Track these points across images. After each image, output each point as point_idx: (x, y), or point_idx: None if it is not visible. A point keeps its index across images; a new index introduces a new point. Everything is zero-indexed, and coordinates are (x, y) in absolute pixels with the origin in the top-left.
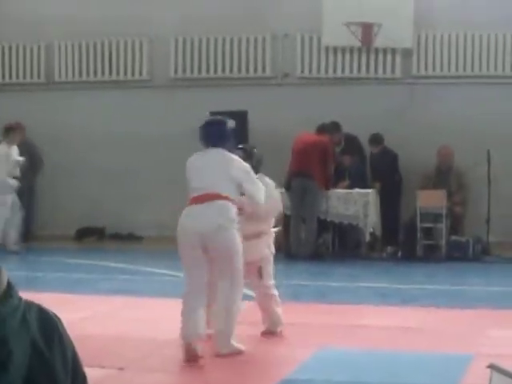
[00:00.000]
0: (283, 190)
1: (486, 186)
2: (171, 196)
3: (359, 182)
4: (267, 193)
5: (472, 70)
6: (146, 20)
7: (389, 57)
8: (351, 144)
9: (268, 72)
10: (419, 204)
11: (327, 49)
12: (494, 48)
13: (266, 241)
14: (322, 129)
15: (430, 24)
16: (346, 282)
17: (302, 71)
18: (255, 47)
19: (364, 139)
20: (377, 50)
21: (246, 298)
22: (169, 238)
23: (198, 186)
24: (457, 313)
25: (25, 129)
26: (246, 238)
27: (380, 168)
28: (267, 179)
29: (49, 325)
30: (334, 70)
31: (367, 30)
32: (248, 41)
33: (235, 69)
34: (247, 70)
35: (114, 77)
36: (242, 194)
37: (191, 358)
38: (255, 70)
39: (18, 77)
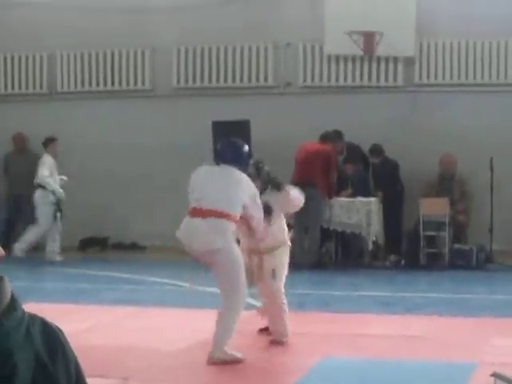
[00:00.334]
0: None
1: (488, 194)
2: (174, 205)
3: (362, 190)
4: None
5: (474, 78)
6: (148, 30)
7: (391, 65)
8: (353, 153)
9: (270, 81)
10: (422, 212)
11: (329, 57)
12: (496, 56)
13: (283, 250)
14: (324, 137)
15: (432, 32)
16: (349, 290)
17: (305, 80)
18: (257, 56)
19: (366, 147)
20: (379, 59)
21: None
22: (172, 247)
23: (200, 198)
24: (460, 321)
25: (57, 141)
26: (264, 252)
27: (381, 178)
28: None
29: (52, 338)
30: (337, 79)
31: (369, 38)
32: (250, 50)
33: (237, 78)
34: (249, 80)
35: (116, 87)
36: None
37: None
38: (257, 79)
39: (20, 87)
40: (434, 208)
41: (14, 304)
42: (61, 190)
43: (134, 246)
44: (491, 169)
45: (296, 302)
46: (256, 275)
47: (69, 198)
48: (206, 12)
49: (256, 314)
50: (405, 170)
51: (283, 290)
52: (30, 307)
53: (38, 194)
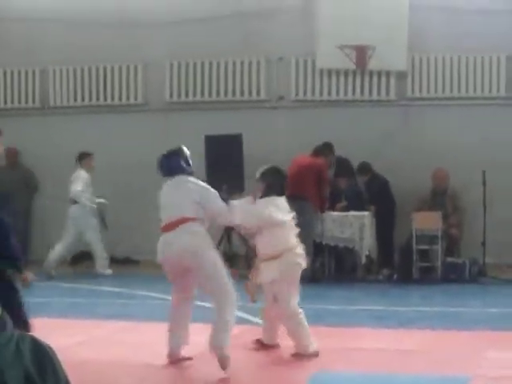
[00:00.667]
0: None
1: (481, 208)
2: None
3: (355, 204)
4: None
5: (466, 91)
6: (141, 44)
7: (383, 79)
8: (343, 166)
9: (263, 95)
10: (415, 226)
11: (322, 71)
12: (488, 70)
13: (279, 263)
14: (317, 151)
15: (423, 46)
16: (342, 304)
17: (297, 94)
18: (250, 70)
19: (359, 160)
20: (371, 73)
21: (244, 321)
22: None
23: (165, 214)
24: (453, 334)
25: (92, 155)
26: (260, 260)
27: (370, 195)
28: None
29: (42, 355)
30: (329, 93)
31: (361, 52)
32: (242, 64)
33: (230, 92)
34: (242, 94)
35: (108, 101)
36: None
37: None
38: (250, 93)
39: (12, 102)
40: (427, 222)
41: (3, 322)
42: (94, 206)
43: (127, 261)
44: (484, 182)
45: None
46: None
47: (61, 212)
48: (199, 26)
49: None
50: (397, 184)
51: (293, 304)
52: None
53: (74, 209)
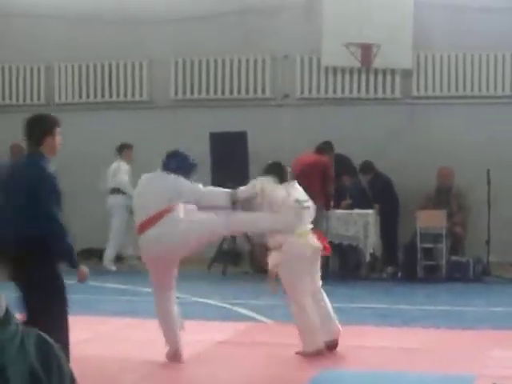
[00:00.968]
0: None
1: (486, 207)
2: None
3: (360, 201)
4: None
5: (471, 90)
6: (146, 42)
7: (388, 77)
8: (343, 164)
9: (268, 93)
10: (419, 224)
11: (327, 69)
12: (494, 68)
13: (285, 251)
14: (321, 149)
15: (429, 45)
16: (346, 302)
17: (302, 92)
18: (255, 68)
19: (364, 158)
20: (376, 71)
21: (249, 319)
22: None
23: (138, 215)
24: (458, 333)
25: (132, 147)
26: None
27: (374, 194)
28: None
29: (47, 352)
30: (334, 91)
31: (367, 50)
32: (248, 62)
33: (235, 90)
34: (247, 92)
35: (114, 98)
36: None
37: None
38: (255, 91)
39: (18, 98)
40: (432, 220)
41: (8, 317)
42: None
43: (132, 257)
44: (488, 181)
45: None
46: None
47: (66, 209)
48: (204, 24)
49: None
50: (402, 182)
51: (300, 296)
52: None
53: (114, 200)
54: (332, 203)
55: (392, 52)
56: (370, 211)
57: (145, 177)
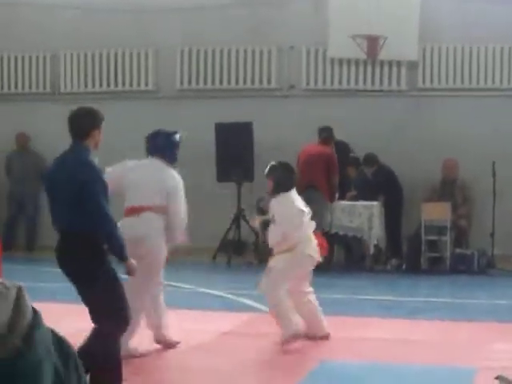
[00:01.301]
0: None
1: (490, 199)
2: None
3: (364, 193)
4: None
5: (477, 82)
6: (152, 31)
7: (394, 69)
8: (341, 150)
9: (274, 84)
10: (424, 217)
11: (333, 61)
12: (500, 60)
13: (296, 252)
14: (326, 140)
15: (435, 37)
16: (350, 294)
17: (308, 83)
18: (261, 59)
19: (369, 150)
20: (382, 63)
21: (253, 309)
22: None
23: (132, 197)
24: (461, 326)
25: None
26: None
27: (378, 186)
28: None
29: (66, 351)
30: (340, 82)
31: (373, 42)
32: (254, 52)
33: (241, 80)
34: (253, 82)
35: (119, 88)
36: None
37: None
38: (261, 81)
39: (23, 87)
40: (436, 212)
41: (38, 317)
42: None
43: None
44: (493, 173)
45: None
46: None
47: None
48: (210, 14)
49: None
50: (407, 174)
51: (279, 291)
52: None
53: None
54: (337, 195)
55: (398, 44)
56: (375, 203)
57: (141, 163)
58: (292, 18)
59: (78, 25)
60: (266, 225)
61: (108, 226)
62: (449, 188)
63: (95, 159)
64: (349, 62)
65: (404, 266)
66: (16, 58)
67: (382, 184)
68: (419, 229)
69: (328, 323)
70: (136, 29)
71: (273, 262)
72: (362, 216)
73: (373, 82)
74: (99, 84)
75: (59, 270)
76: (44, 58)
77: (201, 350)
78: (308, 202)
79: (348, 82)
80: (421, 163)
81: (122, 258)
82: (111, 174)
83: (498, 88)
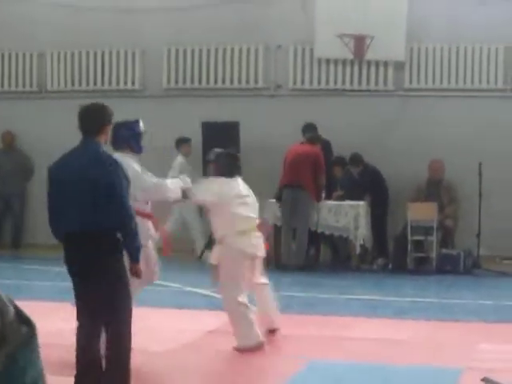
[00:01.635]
0: (274, 200)
1: (477, 199)
2: (165, 206)
3: (351, 193)
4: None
5: (464, 82)
6: (139, 30)
7: (381, 69)
8: (327, 150)
9: (260, 83)
10: (410, 217)
11: (320, 60)
12: (486, 61)
13: (225, 247)
14: (313, 139)
15: (422, 37)
16: (336, 293)
17: (295, 83)
18: (248, 58)
19: (356, 150)
20: (369, 62)
21: None
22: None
23: None
24: (447, 326)
25: (190, 141)
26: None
27: (364, 186)
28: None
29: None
30: (327, 82)
31: (360, 42)
32: (241, 52)
33: (228, 80)
34: (240, 81)
35: (106, 86)
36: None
37: None
38: (248, 81)
39: (10, 85)
40: (422, 213)
41: (26, 335)
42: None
43: None
44: (480, 174)
45: (283, 304)
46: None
47: None
48: (197, 13)
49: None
50: (394, 174)
51: (233, 294)
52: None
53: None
54: (323, 194)
55: (385, 44)
56: (361, 202)
57: None
58: (279, 17)
59: (65, 23)
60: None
61: (133, 225)
62: (435, 188)
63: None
64: (336, 61)
65: (390, 266)
66: (3, 56)
67: (368, 184)
68: (405, 229)
69: (313, 322)
70: (123, 28)
71: (214, 256)
72: (348, 215)
73: (359, 82)
74: (86, 83)
75: (47, 268)
76: (31, 56)
77: (187, 349)
78: (294, 201)
79: (335, 81)
80: (407, 163)
81: (137, 258)
82: None
83: (485, 88)
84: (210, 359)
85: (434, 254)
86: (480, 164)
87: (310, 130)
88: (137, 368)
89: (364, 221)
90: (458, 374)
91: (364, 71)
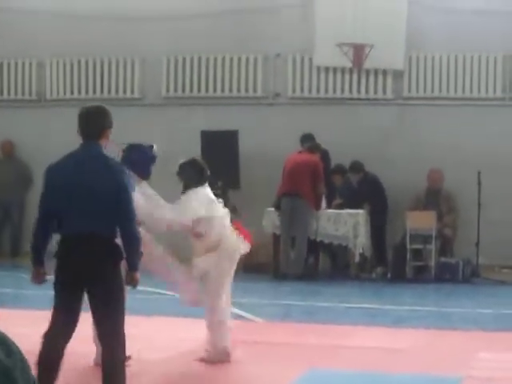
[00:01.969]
0: (273, 209)
1: (476, 208)
2: None
3: (350, 201)
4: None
5: (463, 91)
6: (139, 39)
7: (380, 78)
8: (326, 159)
9: (259, 92)
10: (409, 225)
11: (319, 69)
12: (485, 70)
13: (222, 248)
14: (313, 148)
15: (421, 46)
16: (335, 302)
17: (294, 91)
18: (247, 67)
19: (355, 159)
20: (368, 71)
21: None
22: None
23: None
24: (446, 335)
25: None
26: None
27: (363, 194)
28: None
29: (9, 348)
30: (326, 91)
31: (359, 50)
32: (240, 60)
33: (227, 88)
34: (239, 90)
35: (105, 95)
36: None
37: None
38: (246, 89)
39: (9, 93)
40: (421, 221)
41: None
42: None
43: None
44: (479, 183)
45: (282, 313)
46: None
47: None
48: (197, 22)
49: None
50: (392, 183)
51: (219, 301)
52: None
53: None
54: (324, 204)
55: (384, 53)
56: (361, 211)
57: None
58: (278, 26)
59: (64, 32)
60: None
61: (138, 232)
62: (434, 197)
63: None
64: (335, 70)
65: (389, 275)
66: (2, 64)
67: (367, 192)
68: (404, 237)
69: (312, 331)
70: (122, 36)
71: (202, 265)
72: (348, 224)
73: (358, 91)
74: (85, 91)
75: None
76: (30, 65)
77: (187, 357)
78: (293, 210)
79: (334, 90)
80: (406, 172)
81: (136, 267)
82: None
83: (484, 97)
84: (209, 368)
85: (432, 263)
86: (479, 173)
87: (308, 140)
88: (135, 376)
89: (363, 229)
90: (458, 382)
91: (363, 80)
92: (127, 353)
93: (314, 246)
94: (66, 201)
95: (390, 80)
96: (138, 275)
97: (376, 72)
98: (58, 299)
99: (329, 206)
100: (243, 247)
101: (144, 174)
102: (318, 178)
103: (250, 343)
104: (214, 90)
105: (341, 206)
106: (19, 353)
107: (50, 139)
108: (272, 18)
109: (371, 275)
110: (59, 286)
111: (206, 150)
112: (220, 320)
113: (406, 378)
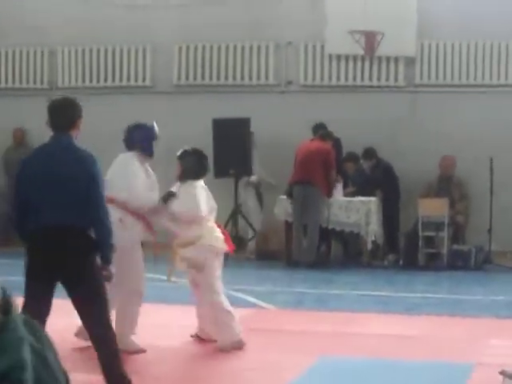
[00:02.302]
0: (285, 197)
1: (488, 195)
2: None
3: (362, 189)
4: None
5: (475, 78)
6: (150, 26)
7: (392, 65)
8: (339, 146)
9: (271, 79)
10: (421, 212)
11: (330, 57)
12: (497, 57)
13: (205, 244)
14: (324, 136)
15: (433, 33)
16: (347, 289)
17: (305, 79)
18: (258, 55)
19: (366, 146)
20: (380, 59)
21: (251, 305)
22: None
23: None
24: (458, 322)
25: None
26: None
27: (376, 181)
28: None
29: (38, 333)
30: (338, 78)
31: (371, 38)
32: (251, 48)
33: (238, 76)
34: (250, 78)
35: (116, 83)
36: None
37: None
38: (258, 77)
39: (21, 82)
40: (433, 208)
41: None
42: None
43: None
44: (491, 169)
45: (294, 301)
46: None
47: None
48: (208, 9)
49: None
50: (404, 170)
51: (218, 292)
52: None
53: None
54: (339, 192)
55: (396, 40)
56: (373, 198)
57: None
58: (290, 14)
59: (75, 20)
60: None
61: (109, 223)
62: (446, 184)
63: None
64: (346, 57)
65: (401, 262)
66: (14, 53)
67: (380, 179)
68: (416, 225)
69: (325, 318)
70: (133, 24)
71: (189, 254)
72: (360, 212)
73: (370, 78)
74: (96, 79)
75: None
76: (41, 53)
77: (196, 345)
78: (305, 197)
79: (346, 77)
80: (418, 158)
81: (109, 259)
82: None
83: (496, 84)
84: (219, 355)
85: (445, 250)
86: (491, 160)
87: (320, 130)
88: (153, 364)
89: (375, 217)
90: (470, 369)
91: (375, 67)
92: (141, 344)
93: (326, 234)
94: (37, 192)
95: (401, 67)
96: (112, 269)
97: (388, 59)
98: (28, 290)
99: (343, 194)
100: (222, 246)
101: (148, 151)
102: (329, 165)
103: (262, 330)
104: (226, 78)
105: (353, 194)
106: (48, 340)
107: None
108: (283, 5)
109: (383, 263)
110: (29, 277)
111: (218, 138)
112: (221, 316)
113: (418, 364)
